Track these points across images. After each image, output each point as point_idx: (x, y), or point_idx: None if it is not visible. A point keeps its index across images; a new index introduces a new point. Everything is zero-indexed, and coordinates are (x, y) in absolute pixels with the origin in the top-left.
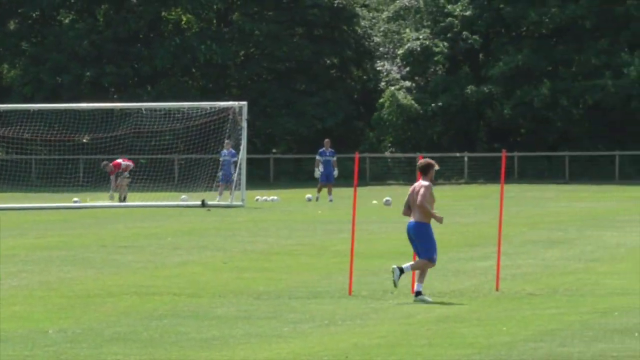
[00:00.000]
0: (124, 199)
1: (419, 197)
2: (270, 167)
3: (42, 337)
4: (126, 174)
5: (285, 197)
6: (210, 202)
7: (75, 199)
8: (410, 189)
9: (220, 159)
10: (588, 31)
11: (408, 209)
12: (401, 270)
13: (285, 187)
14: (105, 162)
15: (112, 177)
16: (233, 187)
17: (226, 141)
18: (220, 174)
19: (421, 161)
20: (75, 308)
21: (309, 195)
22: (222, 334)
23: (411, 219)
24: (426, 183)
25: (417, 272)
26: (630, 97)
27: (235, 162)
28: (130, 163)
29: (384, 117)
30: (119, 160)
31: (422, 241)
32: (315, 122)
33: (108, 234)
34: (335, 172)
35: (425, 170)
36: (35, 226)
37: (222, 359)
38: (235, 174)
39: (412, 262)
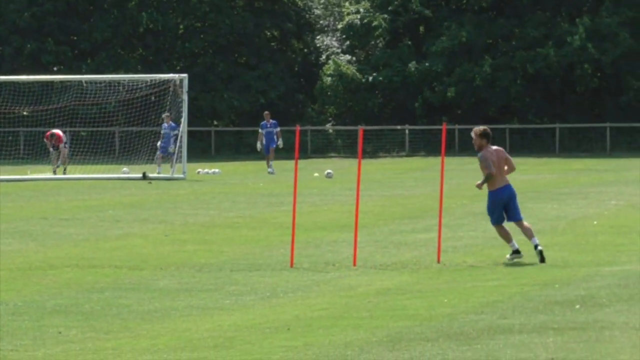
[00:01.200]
0: (65, 170)
1: (513, 163)
2: (212, 140)
3: None
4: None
5: (227, 170)
6: (151, 175)
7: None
8: (489, 154)
9: (162, 132)
10: (528, 4)
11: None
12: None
13: (226, 160)
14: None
15: (53, 151)
16: (174, 160)
17: (165, 114)
18: (159, 143)
19: (483, 128)
20: (16, 280)
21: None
22: (164, 306)
23: (500, 185)
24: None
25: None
26: (573, 65)
27: (176, 135)
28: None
29: (325, 87)
30: (59, 132)
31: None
32: (257, 96)
33: (49, 207)
34: (280, 142)
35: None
36: None
37: (164, 331)
38: (176, 147)
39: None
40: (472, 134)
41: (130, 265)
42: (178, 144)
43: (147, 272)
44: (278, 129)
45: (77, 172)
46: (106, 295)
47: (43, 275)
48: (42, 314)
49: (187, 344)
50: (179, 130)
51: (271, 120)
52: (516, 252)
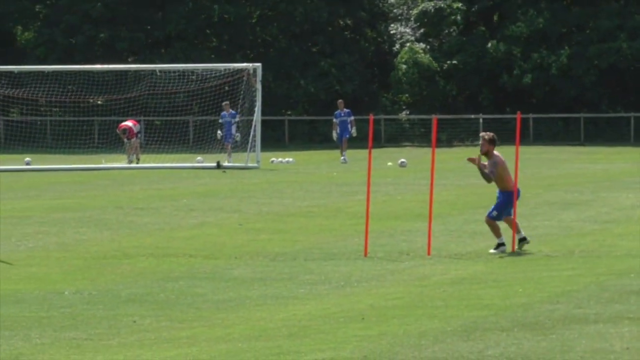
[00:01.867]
0: (138, 161)
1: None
2: (285, 129)
3: (59, 298)
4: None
5: (300, 159)
6: (225, 164)
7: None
8: (500, 161)
9: (220, 120)
10: None
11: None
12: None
13: (300, 149)
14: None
15: (127, 141)
16: (248, 149)
17: (224, 103)
18: (219, 133)
19: (492, 134)
20: (91, 269)
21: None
22: (239, 295)
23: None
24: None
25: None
26: None
27: (237, 123)
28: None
29: (400, 74)
30: (130, 126)
31: None
32: (333, 83)
33: (124, 196)
34: (353, 131)
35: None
36: (50, 188)
37: (238, 320)
38: (238, 136)
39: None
40: (481, 139)
41: (205, 254)
42: (251, 132)
43: (221, 261)
44: (352, 117)
45: (151, 162)
46: (181, 284)
47: (118, 265)
48: (116, 303)
49: (261, 333)
50: (238, 118)
51: (345, 109)
52: (502, 244)
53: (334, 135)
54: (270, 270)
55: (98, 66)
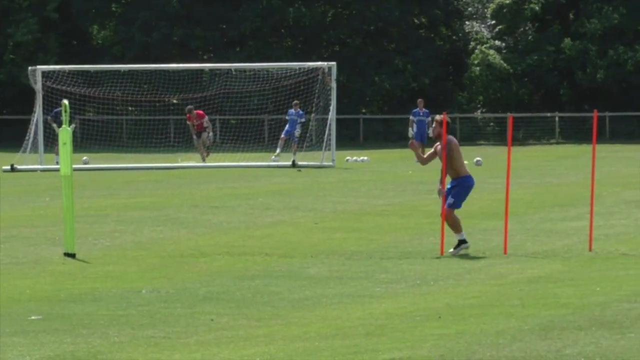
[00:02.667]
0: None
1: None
2: (360, 128)
3: (136, 296)
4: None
5: (375, 158)
6: (300, 163)
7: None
8: (457, 144)
9: (287, 117)
10: None
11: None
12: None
13: (374, 148)
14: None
15: (197, 139)
16: (323, 148)
17: (295, 102)
18: (284, 132)
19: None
20: (168, 268)
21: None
22: (315, 294)
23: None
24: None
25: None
26: None
27: (302, 123)
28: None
29: (474, 76)
30: (201, 111)
31: None
32: (409, 80)
33: (199, 194)
34: (430, 131)
35: None
36: (126, 186)
37: (315, 318)
38: (298, 132)
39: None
40: (434, 122)
41: (281, 253)
42: (327, 131)
43: (297, 259)
44: (429, 118)
45: (226, 160)
46: (257, 282)
47: (194, 263)
48: (194, 301)
49: (338, 332)
50: (305, 119)
51: (424, 109)
52: (463, 241)
53: (410, 132)
54: (346, 268)
55: (173, 65)
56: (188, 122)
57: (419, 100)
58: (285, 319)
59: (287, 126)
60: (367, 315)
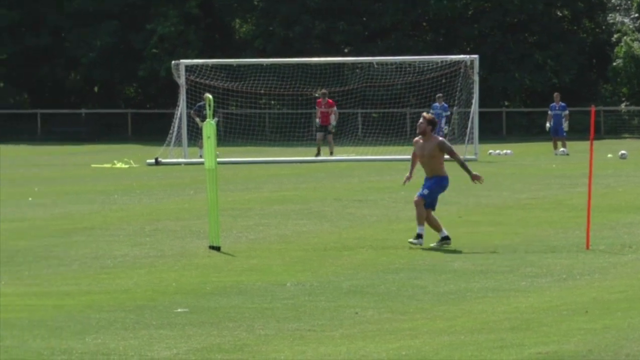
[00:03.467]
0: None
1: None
2: (503, 121)
3: (281, 289)
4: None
5: (518, 151)
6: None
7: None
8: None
9: (432, 112)
10: None
11: None
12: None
13: (517, 141)
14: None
15: (326, 134)
16: (466, 141)
17: (438, 95)
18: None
19: (432, 116)
20: (312, 261)
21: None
22: (459, 288)
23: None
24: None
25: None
26: None
27: (447, 117)
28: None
29: (618, 69)
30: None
31: None
32: (550, 76)
33: (342, 188)
34: (565, 126)
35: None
36: (270, 180)
37: (460, 312)
38: (446, 129)
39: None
40: (422, 118)
41: (424, 247)
42: (469, 124)
43: (441, 253)
44: (566, 112)
45: (368, 154)
46: (401, 276)
47: (338, 256)
48: (338, 295)
49: (483, 326)
50: (450, 112)
51: (560, 103)
52: (420, 236)
53: (547, 126)
54: (490, 262)
55: (315, 59)
56: (317, 108)
57: (556, 94)
58: (430, 312)
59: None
60: (513, 309)
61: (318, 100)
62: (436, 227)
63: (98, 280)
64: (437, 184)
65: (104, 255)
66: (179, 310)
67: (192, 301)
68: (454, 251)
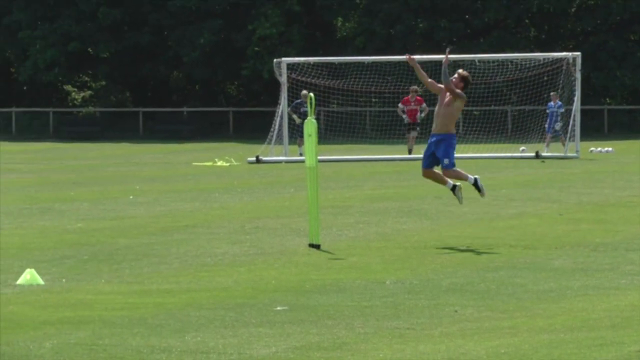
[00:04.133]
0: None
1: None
2: (605, 119)
3: (380, 287)
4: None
5: (620, 149)
6: (543, 154)
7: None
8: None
9: (548, 110)
10: None
11: None
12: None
13: (619, 139)
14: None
15: (413, 132)
16: (566, 139)
17: (552, 93)
18: (546, 125)
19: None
20: (411, 259)
21: None
22: (559, 286)
23: None
24: None
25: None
26: None
27: (561, 114)
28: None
29: None
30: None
31: None
32: None
33: (440, 186)
34: None
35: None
36: (370, 178)
37: (560, 310)
38: (562, 125)
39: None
40: (456, 73)
41: (524, 245)
42: (571, 122)
43: (541, 251)
44: None
45: (469, 152)
46: (501, 274)
47: (438, 254)
48: (437, 293)
49: (583, 324)
50: (563, 109)
51: None
52: (454, 187)
53: None
54: (591, 260)
55: (417, 56)
56: (400, 105)
57: None
58: (530, 310)
59: (547, 121)
60: (613, 307)
61: (406, 97)
62: (442, 181)
63: (198, 278)
64: (450, 146)
65: (204, 253)
66: (279, 308)
67: (292, 299)
68: (555, 249)
